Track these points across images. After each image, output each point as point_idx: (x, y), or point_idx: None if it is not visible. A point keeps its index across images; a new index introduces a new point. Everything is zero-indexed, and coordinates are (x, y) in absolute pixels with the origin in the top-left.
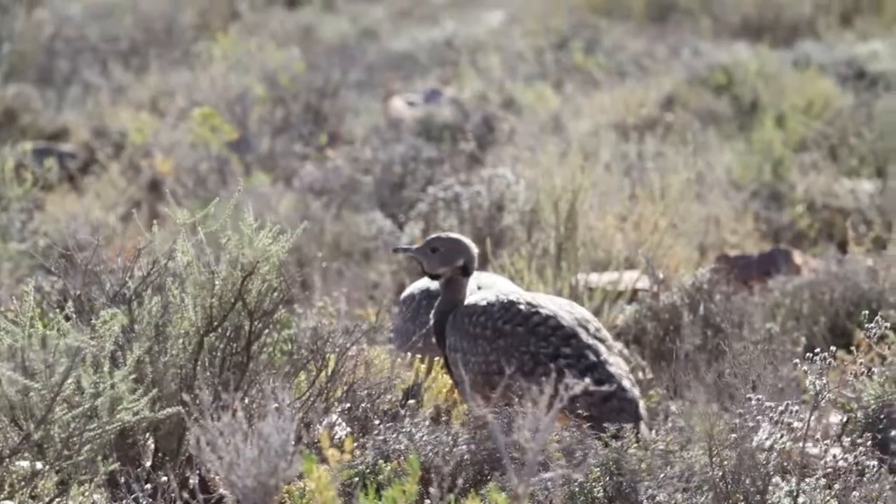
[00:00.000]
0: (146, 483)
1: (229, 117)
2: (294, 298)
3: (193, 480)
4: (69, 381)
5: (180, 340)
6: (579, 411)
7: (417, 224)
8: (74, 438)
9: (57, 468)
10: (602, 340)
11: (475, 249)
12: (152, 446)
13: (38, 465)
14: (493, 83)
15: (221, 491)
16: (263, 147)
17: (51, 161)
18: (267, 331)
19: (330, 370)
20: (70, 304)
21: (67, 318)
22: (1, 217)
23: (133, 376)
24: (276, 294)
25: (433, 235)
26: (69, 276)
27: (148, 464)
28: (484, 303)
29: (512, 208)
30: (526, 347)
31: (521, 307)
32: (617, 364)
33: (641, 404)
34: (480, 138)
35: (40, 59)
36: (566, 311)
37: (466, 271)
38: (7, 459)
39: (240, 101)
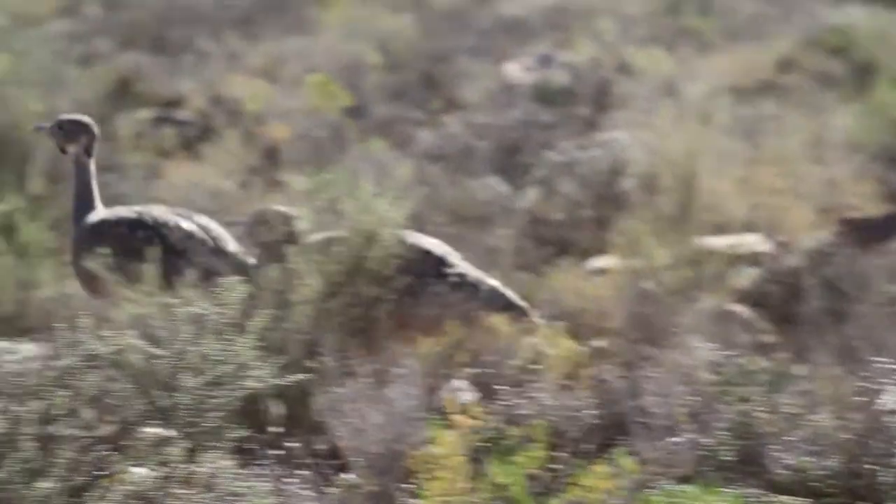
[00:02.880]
0: (274, 449)
1: (343, 84)
2: None
3: (320, 447)
4: (194, 348)
5: (302, 307)
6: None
7: (535, 189)
8: (202, 405)
9: (184, 435)
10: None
11: (96, 130)
12: (279, 413)
13: (166, 432)
14: (607, 47)
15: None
16: (379, 113)
17: (170, 129)
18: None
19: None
20: (193, 272)
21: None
22: (120, 184)
23: (258, 344)
24: (396, 260)
25: (62, 116)
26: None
27: (275, 430)
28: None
29: (630, 172)
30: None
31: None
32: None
33: None
34: (595, 102)
35: (153, 28)
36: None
37: (89, 151)
38: (134, 426)
39: (354, 67)
